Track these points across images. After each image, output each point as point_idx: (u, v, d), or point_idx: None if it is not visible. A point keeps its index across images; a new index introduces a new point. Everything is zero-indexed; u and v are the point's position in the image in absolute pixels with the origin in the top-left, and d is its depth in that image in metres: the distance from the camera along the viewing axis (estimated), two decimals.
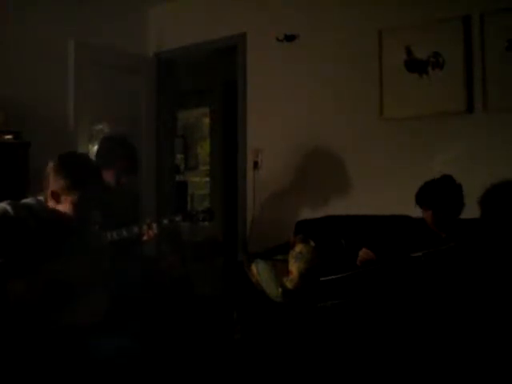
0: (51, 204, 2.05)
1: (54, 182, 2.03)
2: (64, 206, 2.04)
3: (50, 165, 2.06)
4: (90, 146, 4.20)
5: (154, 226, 2.78)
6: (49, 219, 2.03)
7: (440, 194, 2.70)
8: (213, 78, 5.90)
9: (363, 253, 2.81)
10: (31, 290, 1.90)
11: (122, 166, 2.99)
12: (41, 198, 2.09)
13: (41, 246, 1.96)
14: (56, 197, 2.03)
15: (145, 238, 2.77)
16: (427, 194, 2.73)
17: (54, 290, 1.94)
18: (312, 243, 3.00)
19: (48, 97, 3.88)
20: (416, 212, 2.84)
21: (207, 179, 6.66)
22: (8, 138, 3.40)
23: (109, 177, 2.94)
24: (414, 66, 3.29)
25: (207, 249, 5.24)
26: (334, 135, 3.63)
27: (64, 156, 2.12)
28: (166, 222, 2.82)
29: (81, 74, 4.11)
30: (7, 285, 1.85)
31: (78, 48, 4.08)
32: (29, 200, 2.08)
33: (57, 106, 3.98)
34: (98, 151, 3.12)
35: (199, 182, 7.13)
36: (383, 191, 3.38)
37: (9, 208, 1.97)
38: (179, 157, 6.66)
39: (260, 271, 2.94)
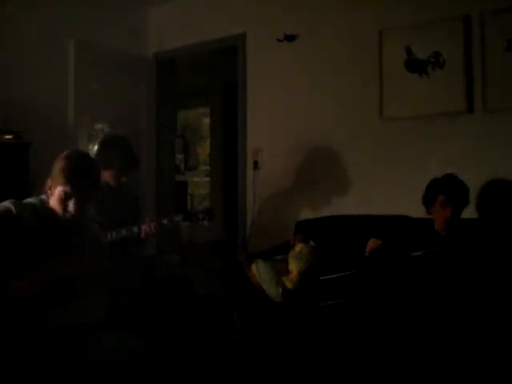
0: (53, 202, 2.05)
1: (57, 178, 2.03)
2: (63, 203, 2.04)
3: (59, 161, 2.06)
4: (90, 146, 4.20)
5: (154, 225, 2.79)
6: (51, 218, 2.04)
7: (465, 190, 2.69)
8: (213, 77, 5.89)
9: (371, 242, 2.80)
10: (32, 289, 1.90)
11: (121, 165, 3.00)
12: (43, 197, 2.09)
13: (43, 244, 1.97)
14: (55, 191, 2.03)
15: (144, 235, 2.78)
16: (455, 189, 2.68)
17: (55, 289, 1.94)
18: (312, 243, 3.00)
19: (48, 96, 3.88)
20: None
21: (207, 179, 6.67)
22: (8, 138, 3.40)
23: (109, 176, 2.95)
24: (414, 65, 3.29)
25: (208, 248, 5.24)
26: (334, 135, 3.63)
27: (73, 154, 2.11)
28: (165, 221, 2.83)
29: (81, 74, 4.11)
30: (9, 283, 1.86)
31: (78, 48, 4.08)
32: (31, 199, 2.09)
33: (57, 106, 3.98)
34: (98, 151, 3.14)
35: (199, 182, 7.14)
36: (383, 191, 3.38)
37: (12, 207, 1.99)
38: (179, 157, 6.66)
39: (260, 271, 2.94)
